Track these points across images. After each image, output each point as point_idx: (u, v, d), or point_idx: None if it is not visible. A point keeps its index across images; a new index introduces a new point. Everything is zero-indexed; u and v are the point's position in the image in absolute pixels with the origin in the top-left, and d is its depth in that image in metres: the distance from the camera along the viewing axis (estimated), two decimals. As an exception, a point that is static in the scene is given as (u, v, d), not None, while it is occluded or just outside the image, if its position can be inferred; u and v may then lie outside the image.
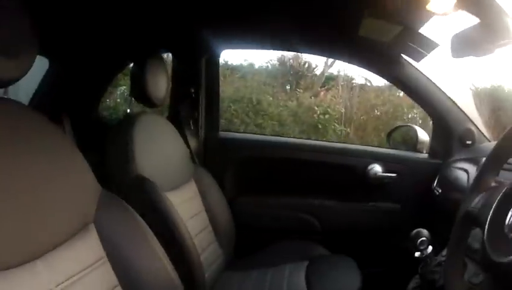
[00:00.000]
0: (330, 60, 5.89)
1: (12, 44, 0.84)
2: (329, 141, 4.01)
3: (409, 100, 3.10)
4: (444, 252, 1.20)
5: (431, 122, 2.09)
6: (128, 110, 1.83)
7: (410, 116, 5.16)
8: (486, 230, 0.86)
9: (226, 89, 5.31)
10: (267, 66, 6.32)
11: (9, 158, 0.83)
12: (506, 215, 0.83)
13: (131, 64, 1.79)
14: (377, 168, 2.04)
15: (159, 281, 1.03)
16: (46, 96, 2.00)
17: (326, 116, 5.34)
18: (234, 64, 6.01)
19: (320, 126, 5.28)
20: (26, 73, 0.89)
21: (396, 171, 2.05)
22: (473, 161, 1.70)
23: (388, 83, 2.55)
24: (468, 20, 1.30)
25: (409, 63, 1.96)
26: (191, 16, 1.77)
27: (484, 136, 1.99)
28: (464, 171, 1.70)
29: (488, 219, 0.87)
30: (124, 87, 4.44)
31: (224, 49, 2.14)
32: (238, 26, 1.91)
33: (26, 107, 0.98)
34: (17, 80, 0.87)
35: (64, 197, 0.93)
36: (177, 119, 1.92)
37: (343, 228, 2.07)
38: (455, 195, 1.62)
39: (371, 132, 5.42)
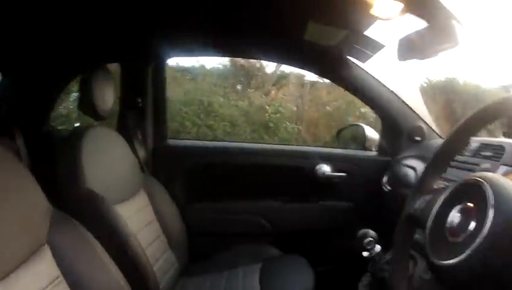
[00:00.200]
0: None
1: None
2: (278, 144, 4.06)
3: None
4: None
5: (381, 119, 2.12)
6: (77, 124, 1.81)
7: (363, 110, 5.12)
8: (427, 233, 0.87)
9: (177, 92, 5.26)
10: (219, 67, 6.29)
11: None
12: (447, 218, 0.83)
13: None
14: (324, 168, 2.07)
15: None
16: None
17: (278, 114, 5.39)
18: (186, 66, 5.95)
19: (271, 125, 5.31)
20: None
21: (346, 170, 2.09)
22: (422, 158, 1.76)
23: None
24: (416, 23, 1.36)
25: (355, 64, 2.00)
26: (136, 26, 1.77)
27: (435, 132, 2.03)
28: (412, 169, 1.76)
29: (429, 222, 0.88)
30: (77, 94, 4.29)
31: (170, 57, 2.15)
32: (183, 33, 1.92)
33: None
34: None
35: (17, 221, 0.93)
36: (125, 130, 1.91)
37: (295, 229, 2.11)
38: (403, 192, 1.65)
39: (323, 128, 5.46)
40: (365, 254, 1.37)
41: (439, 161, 1.02)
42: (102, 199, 1.38)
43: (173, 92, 5.19)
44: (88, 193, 1.37)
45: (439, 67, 5.16)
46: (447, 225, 0.82)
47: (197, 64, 6.10)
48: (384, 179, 1.97)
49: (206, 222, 2.08)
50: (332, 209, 2.13)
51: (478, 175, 0.82)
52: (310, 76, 5.89)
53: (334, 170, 2.08)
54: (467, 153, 1.49)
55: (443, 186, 1.00)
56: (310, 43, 1.86)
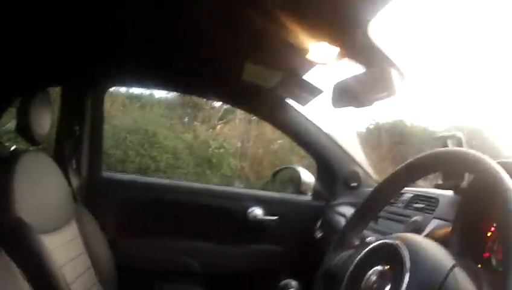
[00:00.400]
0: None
1: None
2: (212, 185, 4.03)
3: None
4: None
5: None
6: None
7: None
8: None
9: (124, 119, 5.23)
10: (167, 97, 6.24)
11: None
12: (363, 279, 0.80)
13: None
14: (256, 211, 2.04)
15: None
16: None
17: (221, 150, 5.39)
18: (135, 93, 5.91)
19: (214, 160, 5.30)
20: None
21: (279, 213, 2.06)
22: (355, 205, 1.70)
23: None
24: (354, 69, 1.34)
25: (293, 107, 2.00)
26: (79, 51, 1.72)
27: (371, 178, 2.03)
28: (343, 217, 1.73)
29: (346, 280, 0.86)
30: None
31: (111, 86, 2.12)
32: (126, 64, 1.88)
33: None
34: None
35: None
36: (61, 157, 1.84)
37: (224, 271, 2.05)
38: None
39: (267, 166, 5.51)
40: None
41: (364, 213, 1.00)
42: (30, 227, 1.30)
43: (121, 119, 5.17)
44: (16, 220, 1.30)
45: (387, 109, 5.35)
46: (362, 286, 0.80)
47: (146, 92, 6.09)
48: (317, 225, 1.94)
49: (137, 259, 2.00)
50: (262, 253, 2.09)
51: (396, 237, 0.82)
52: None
53: (267, 213, 2.05)
54: (399, 204, 1.45)
55: (367, 240, 0.97)
56: (249, 83, 1.86)
